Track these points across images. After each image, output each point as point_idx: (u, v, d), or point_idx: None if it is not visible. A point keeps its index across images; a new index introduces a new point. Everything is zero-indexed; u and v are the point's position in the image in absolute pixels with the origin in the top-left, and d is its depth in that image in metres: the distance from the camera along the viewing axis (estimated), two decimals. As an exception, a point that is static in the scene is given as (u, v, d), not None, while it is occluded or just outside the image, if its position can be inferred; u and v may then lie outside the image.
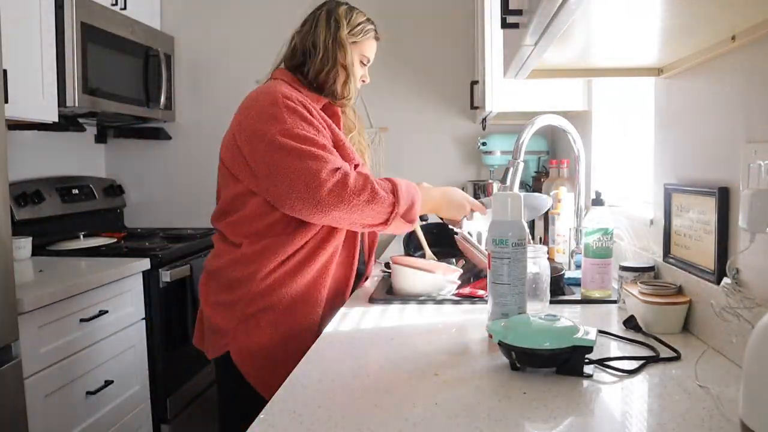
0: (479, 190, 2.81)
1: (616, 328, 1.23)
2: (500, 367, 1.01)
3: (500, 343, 0.99)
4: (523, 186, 2.74)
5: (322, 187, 1.32)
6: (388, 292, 1.57)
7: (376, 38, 1.63)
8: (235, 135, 1.45)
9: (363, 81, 1.63)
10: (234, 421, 1.43)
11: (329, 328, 1.27)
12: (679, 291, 1.22)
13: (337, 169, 1.36)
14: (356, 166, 1.50)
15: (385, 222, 1.41)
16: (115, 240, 2.66)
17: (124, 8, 2.62)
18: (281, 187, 1.34)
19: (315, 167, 1.33)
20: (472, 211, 1.59)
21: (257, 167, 1.39)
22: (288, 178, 1.33)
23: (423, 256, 1.77)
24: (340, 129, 1.56)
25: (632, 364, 1.00)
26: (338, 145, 1.47)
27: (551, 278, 1.39)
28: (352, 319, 1.33)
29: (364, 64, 1.61)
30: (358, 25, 1.56)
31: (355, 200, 1.34)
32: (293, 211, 1.36)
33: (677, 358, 1.04)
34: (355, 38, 1.55)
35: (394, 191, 1.42)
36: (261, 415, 0.85)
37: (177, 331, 2.50)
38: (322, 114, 1.50)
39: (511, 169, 1.64)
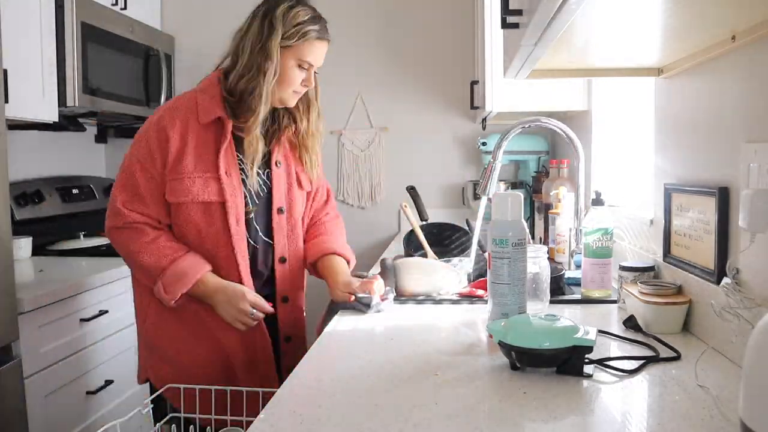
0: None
1: (616, 328, 1.23)
2: (500, 367, 1.01)
3: (500, 343, 0.99)
4: (524, 186, 2.74)
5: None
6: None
7: (323, 39, 1.48)
8: None
9: (305, 85, 1.50)
10: None
11: (329, 328, 1.27)
12: (679, 291, 1.22)
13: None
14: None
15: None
16: (115, 240, 2.66)
17: (124, 8, 2.62)
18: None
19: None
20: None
21: None
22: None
23: (425, 255, 1.77)
24: (220, 149, 1.43)
25: (632, 364, 1.00)
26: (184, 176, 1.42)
27: (551, 278, 1.39)
28: (352, 319, 1.33)
29: (305, 69, 1.48)
30: (295, 26, 1.43)
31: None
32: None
33: (677, 358, 1.04)
34: (290, 42, 1.43)
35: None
36: (261, 415, 0.85)
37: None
38: (195, 133, 1.44)
39: (490, 170, 1.63)
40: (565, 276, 1.59)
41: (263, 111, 1.45)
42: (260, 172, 1.51)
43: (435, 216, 2.96)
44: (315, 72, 1.51)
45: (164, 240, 1.44)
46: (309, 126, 1.57)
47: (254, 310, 1.43)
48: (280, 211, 1.53)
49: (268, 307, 1.45)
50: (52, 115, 2.23)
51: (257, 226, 1.51)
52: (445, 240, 1.90)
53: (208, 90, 1.48)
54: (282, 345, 1.55)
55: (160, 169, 1.43)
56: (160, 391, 1.18)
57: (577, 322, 1.02)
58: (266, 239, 1.52)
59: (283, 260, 1.54)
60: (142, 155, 1.44)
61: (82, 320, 1.96)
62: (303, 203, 1.60)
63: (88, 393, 1.99)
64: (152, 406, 1.14)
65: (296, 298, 1.59)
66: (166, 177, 1.42)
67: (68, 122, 2.55)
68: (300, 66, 1.47)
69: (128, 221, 1.44)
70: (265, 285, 1.54)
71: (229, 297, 1.42)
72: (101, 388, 2.03)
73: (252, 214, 1.49)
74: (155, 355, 1.53)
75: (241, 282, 1.46)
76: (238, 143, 1.47)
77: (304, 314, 1.64)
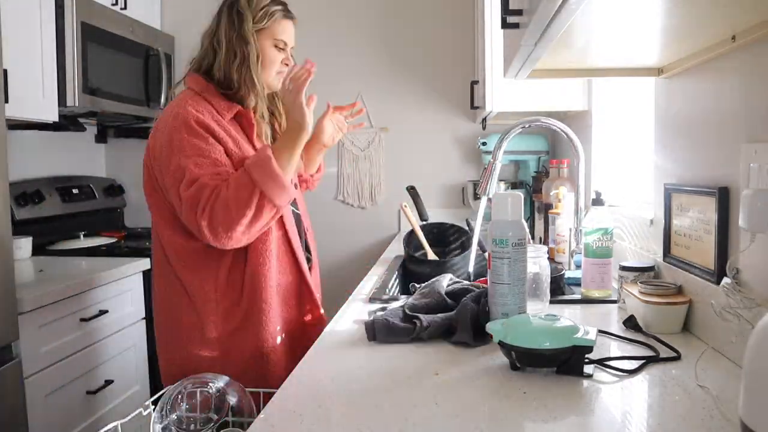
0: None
1: (616, 328, 1.23)
2: (500, 367, 1.01)
3: (500, 343, 0.99)
4: (524, 186, 2.74)
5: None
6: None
7: (288, 17, 1.54)
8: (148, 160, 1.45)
9: (285, 64, 1.53)
10: None
11: (329, 328, 1.27)
12: (679, 291, 1.22)
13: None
14: None
15: (258, 204, 1.32)
16: (116, 240, 2.66)
17: (125, 8, 2.62)
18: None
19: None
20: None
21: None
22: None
23: (425, 255, 1.77)
24: (252, 138, 1.50)
25: (632, 364, 1.00)
26: (239, 160, 1.41)
27: (551, 278, 1.39)
28: (352, 319, 1.33)
29: (282, 48, 1.52)
30: (261, 9, 1.49)
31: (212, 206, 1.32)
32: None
33: (677, 358, 1.04)
34: (261, 25, 1.49)
35: (246, 171, 1.34)
36: (261, 415, 0.85)
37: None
38: (228, 128, 1.44)
39: (490, 170, 1.63)
40: (565, 276, 1.59)
41: (261, 91, 1.49)
42: None
43: (435, 216, 2.96)
44: (291, 54, 1.56)
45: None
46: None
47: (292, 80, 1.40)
48: (295, 185, 1.59)
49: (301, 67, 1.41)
50: (52, 115, 2.23)
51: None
52: (445, 240, 1.90)
53: (208, 89, 1.49)
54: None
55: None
56: (162, 392, 1.18)
57: (577, 322, 1.02)
58: (294, 209, 1.60)
59: (307, 229, 1.65)
60: (192, 152, 1.37)
61: (82, 320, 1.96)
62: (298, 193, 1.67)
63: (88, 393, 1.99)
64: (153, 407, 1.14)
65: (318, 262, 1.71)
66: None
67: (68, 122, 2.55)
68: (276, 46, 1.52)
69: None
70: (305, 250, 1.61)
71: (290, 125, 1.40)
72: (101, 388, 2.03)
73: None
74: (201, 349, 1.45)
75: (291, 247, 1.50)
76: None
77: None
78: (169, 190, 1.38)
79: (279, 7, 1.52)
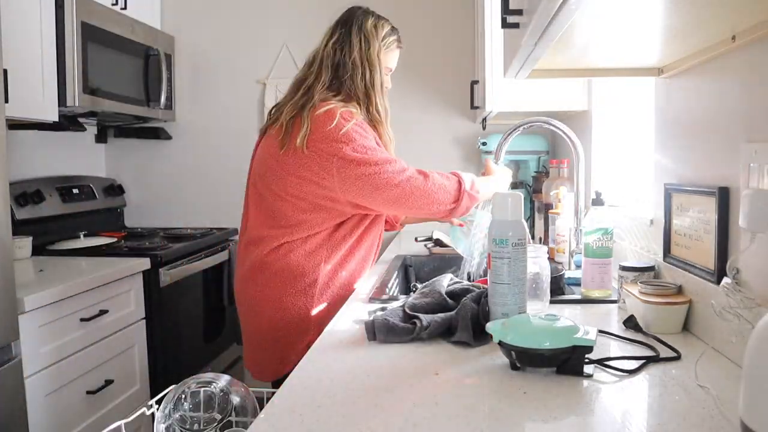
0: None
1: (616, 327, 1.23)
2: (500, 367, 1.01)
3: (500, 343, 0.99)
4: (524, 186, 2.74)
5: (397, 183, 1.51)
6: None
7: (399, 47, 1.70)
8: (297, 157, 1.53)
9: (387, 88, 1.69)
10: None
11: (329, 328, 1.27)
12: (679, 291, 1.22)
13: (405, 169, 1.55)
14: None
15: (456, 201, 1.55)
16: (116, 240, 2.66)
17: (125, 8, 2.62)
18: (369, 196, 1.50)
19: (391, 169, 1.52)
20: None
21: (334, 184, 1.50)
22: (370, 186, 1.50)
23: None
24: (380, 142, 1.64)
25: (632, 364, 1.00)
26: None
27: (551, 278, 1.39)
28: (352, 319, 1.33)
29: (387, 75, 1.68)
30: (384, 39, 1.63)
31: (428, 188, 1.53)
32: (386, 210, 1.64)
33: (677, 358, 1.04)
34: (384, 48, 1.63)
35: (456, 174, 1.60)
36: (261, 415, 0.85)
37: (177, 330, 2.51)
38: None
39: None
40: (565, 276, 1.59)
41: (386, 103, 1.67)
42: None
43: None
44: None
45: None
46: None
47: None
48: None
49: None
50: (52, 115, 2.23)
51: None
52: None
53: (350, 101, 1.61)
54: None
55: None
56: (165, 391, 1.18)
57: (577, 322, 1.02)
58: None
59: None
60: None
61: (82, 320, 1.96)
62: None
63: (88, 393, 1.99)
64: (156, 407, 1.14)
65: None
66: None
67: (68, 122, 2.55)
68: (388, 71, 1.69)
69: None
70: None
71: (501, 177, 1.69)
72: (101, 388, 2.03)
73: None
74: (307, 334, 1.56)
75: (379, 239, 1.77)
76: None
77: None
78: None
79: (395, 37, 1.68)
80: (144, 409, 1.12)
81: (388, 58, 1.66)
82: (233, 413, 1.13)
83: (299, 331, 1.55)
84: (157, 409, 1.12)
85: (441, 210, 1.55)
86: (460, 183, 1.55)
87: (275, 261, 1.56)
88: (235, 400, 1.13)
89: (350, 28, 1.61)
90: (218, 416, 1.11)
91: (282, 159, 1.52)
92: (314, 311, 1.56)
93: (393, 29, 1.67)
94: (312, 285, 1.56)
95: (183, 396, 1.12)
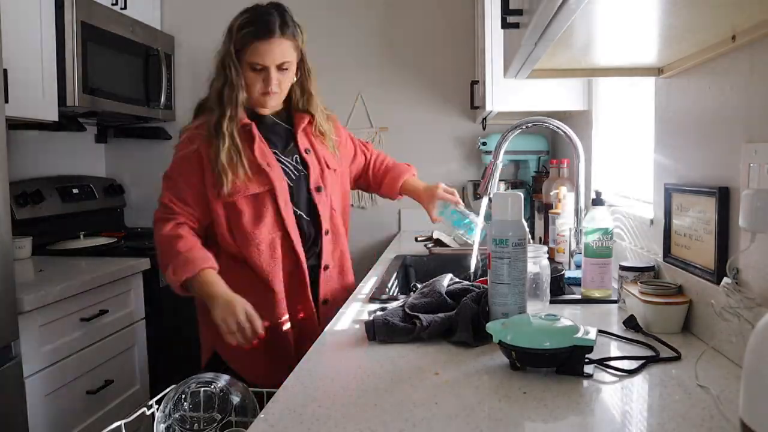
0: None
1: (616, 327, 1.23)
2: (500, 367, 1.01)
3: (500, 343, 0.99)
4: (524, 186, 2.74)
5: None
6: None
7: (259, 38, 1.53)
8: None
9: (266, 84, 1.57)
10: None
11: (329, 328, 1.27)
12: (679, 291, 1.22)
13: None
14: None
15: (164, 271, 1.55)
16: (116, 239, 2.66)
17: (125, 8, 2.62)
18: None
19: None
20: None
21: None
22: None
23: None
24: (253, 151, 1.58)
25: (632, 364, 1.00)
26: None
27: (551, 278, 1.39)
28: (352, 319, 1.33)
29: (257, 70, 1.56)
30: (239, 31, 1.54)
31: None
32: None
33: (677, 358, 1.04)
34: (238, 46, 1.55)
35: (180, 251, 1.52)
36: (261, 415, 0.85)
37: (177, 330, 2.50)
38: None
39: (490, 170, 1.63)
40: (565, 276, 1.59)
41: (232, 112, 1.57)
42: (292, 159, 1.66)
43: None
44: (284, 68, 1.58)
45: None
46: (317, 112, 1.71)
47: (247, 324, 1.45)
48: (318, 189, 1.66)
49: (259, 327, 1.47)
50: (52, 115, 2.23)
51: (298, 207, 1.64)
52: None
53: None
54: (320, 307, 1.67)
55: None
56: (164, 392, 1.18)
57: (577, 322, 1.02)
58: (306, 217, 1.65)
59: (327, 233, 1.67)
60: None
61: (82, 320, 1.96)
62: (336, 182, 1.74)
63: (88, 393, 1.99)
64: (156, 407, 1.14)
65: (338, 265, 1.73)
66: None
67: (68, 122, 2.55)
68: (253, 69, 1.56)
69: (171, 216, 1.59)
70: (311, 257, 1.67)
71: (228, 301, 1.47)
72: (101, 388, 2.03)
73: (296, 196, 1.64)
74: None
75: (297, 254, 1.60)
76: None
77: (353, 278, 1.81)
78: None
79: (250, 29, 1.54)
80: (144, 409, 1.12)
81: (249, 53, 1.54)
82: (233, 413, 1.13)
83: None
84: (157, 409, 1.12)
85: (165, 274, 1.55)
86: (167, 266, 1.52)
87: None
88: (235, 400, 1.13)
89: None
90: (218, 416, 1.11)
91: None
92: None
93: (252, 21, 1.54)
94: None
95: (183, 396, 1.12)
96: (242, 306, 1.46)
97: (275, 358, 1.58)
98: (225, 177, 1.53)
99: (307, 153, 1.67)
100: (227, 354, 1.59)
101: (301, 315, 1.64)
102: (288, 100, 1.70)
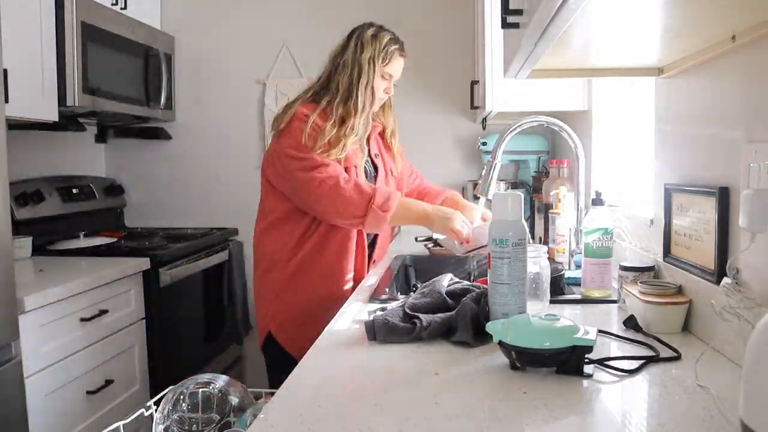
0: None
1: (616, 328, 1.23)
2: (500, 367, 1.01)
3: (500, 343, 0.99)
4: (524, 186, 2.74)
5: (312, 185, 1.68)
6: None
7: (402, 56, 1.85)
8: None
9: (387, 93, 1.85)
10: None
11: (329, 328, 1.27)
12: (679, 291, 1.22)
13: (328, 172, 1.68)
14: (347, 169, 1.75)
15: (363, 215, 1.66)
16: (116, 239, 2.66)
17: (125, 8, 2.62)
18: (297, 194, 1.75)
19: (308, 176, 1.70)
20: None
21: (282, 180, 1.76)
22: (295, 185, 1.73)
23: None
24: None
25: (632, 364, 1.00)
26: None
27: (551, 278, 1.39)
28: (352, 318, 1.33)
29: (386, 79, 1.83)
30: (385, 47, 1.79)
31: (338, 194, 1.66)
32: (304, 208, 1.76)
33: (677, 358, 1.04)
34: (381, 62, 1.78)
35: (373, 189, 1.68)
36: (261, 415, 0.85)
37: (177, 330, 2.50)
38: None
39: (489, 169, 1.63)
40: (565, 276, 1.59)
41: (360, 110, 1.77)
42: (367, 161, 1.86)
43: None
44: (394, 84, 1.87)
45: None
46: (390, 125, 1.97)
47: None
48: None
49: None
50: (52, 115, 2.23)
51: None
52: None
53: (324, 97, 1.80)
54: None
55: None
56: (164, 392, 1.18)
57: (577, 322, 1.02)
58: None
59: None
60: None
61: (82, 320, 1.96)
62: (395, 188, 1.93)
63: (88, 393, 1.99)
64: (155, 408, 1.14)
65: (381, 248, 1.99)
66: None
67: (68, 122, 2.55)
68: (383, 77, 1.82)
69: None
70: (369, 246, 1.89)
71: (444, 216, 1.68)
72: (101, 388, 2.03)
73: None
74: (283, 300, 1.79)
75: (361, 239, 1.83)
76: None
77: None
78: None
79: (396, 47, 1.82)
80: (142, 410, 1.12)
81: (389, 65, 1.81)
82: (231, 414, 1.13)
83: None
84: (156, 410, 1.12)
85: (348, 222, 1.70)
86: (370, 198, 1.65)
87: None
88: (234, 400, 1.13)
89: (350, 37, 1.82)
90: (216, 417, 1.11)
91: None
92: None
93: (394, 39, 1.83)
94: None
95: (181, 397, 1.12)
96: (457, 215, 1.67)
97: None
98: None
99: (376, 157, 1.89)
100: (281, 335, 1.78)
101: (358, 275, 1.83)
102: None
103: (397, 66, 1.84)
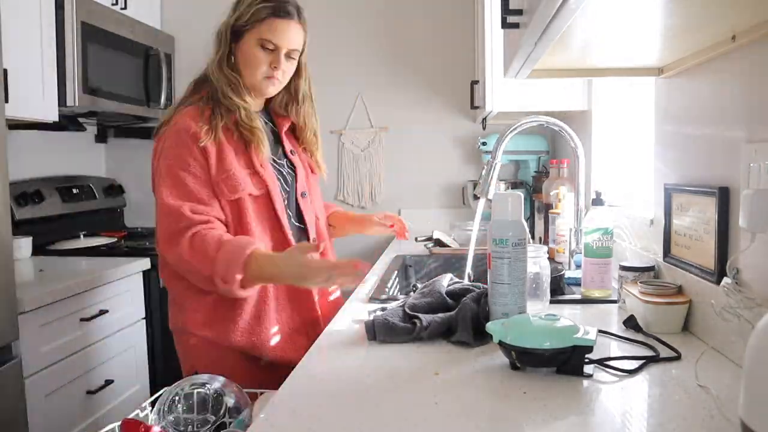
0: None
1: (616, 328, 1.23)
2: (500, 367, 1.01)
3: (500, 343, 0.99)
4: (524, 186, 2.74)
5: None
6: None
7: (279, 16, 1.44)
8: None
9: (274, 67, 1.47)
10: None
11: (329, 328, 1.27)
12: (679, 291, 1.22)
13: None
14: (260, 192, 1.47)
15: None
16: (116, 239, 2.66)
17: (125, 8, 2.62)
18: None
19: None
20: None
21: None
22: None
23: None
24: (255, 153, 1.46)
25: (632, 364, 1.00)
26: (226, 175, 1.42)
27: (551, 278, 1.39)
28: (352, 319, 1.33)
29: (269, 49, 1.46)
30: (253, 5, 1.44)
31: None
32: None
33: (677, 358, 1.04)
34: (247, 24, 1.45)
35: (216, 252, 1.32)
36: (261, 415, 0.85)
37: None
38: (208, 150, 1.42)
39: (489, 169, 1.63)
40: (565, 276, 1.59)
41: (242, 92, 1.47)
42: (280, 161, 1.57)
43: (436, 216, 2.97)
44: (292, 57, 1.51)
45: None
46: (311, 124, 1.62)
47: (313, 255, 1.34)
48: (303, 195, 1.58)
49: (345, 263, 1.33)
50: (52, 115, 2.23)
51: (289, 212, 1.55)
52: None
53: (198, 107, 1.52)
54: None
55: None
56: (159, 393, 1.18)
57: (577, 322, 1.02)
58: (297, 224, 1.57)
59: (314, 240, 1.59)
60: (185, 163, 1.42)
61: (82, 320, 1.96)
62: (316, 187, 1.67)
63: (88, 393, 1.99)
64: (150, 408, 1.14)
65: None
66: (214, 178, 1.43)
67: (68, 122, 2.55)
68: (262, 47, 1.46)
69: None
70: None
71: (298, 271, 1.32)
72: (101, 388, 2.03)
73: (286, 201, 1.54)
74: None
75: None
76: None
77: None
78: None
79: (269, 5, 1.44)
80: (138, 411, 1.12)
81: (261, 29, 1.44)
82: (227, 415, 1.13)
83: None
84: (152, 411, 1.12)
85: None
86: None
87: None
88: (230, 401, 1.13)
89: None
90: (212, 418, 1.11)
91: None
92: None
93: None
94: None
95: (177, 398, 1.12)
96: (300, 251, 1.34)
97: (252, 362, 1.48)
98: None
99: (292, 154, 1.59)
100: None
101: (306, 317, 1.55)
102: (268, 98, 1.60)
103: (278, 30, 1.44)
